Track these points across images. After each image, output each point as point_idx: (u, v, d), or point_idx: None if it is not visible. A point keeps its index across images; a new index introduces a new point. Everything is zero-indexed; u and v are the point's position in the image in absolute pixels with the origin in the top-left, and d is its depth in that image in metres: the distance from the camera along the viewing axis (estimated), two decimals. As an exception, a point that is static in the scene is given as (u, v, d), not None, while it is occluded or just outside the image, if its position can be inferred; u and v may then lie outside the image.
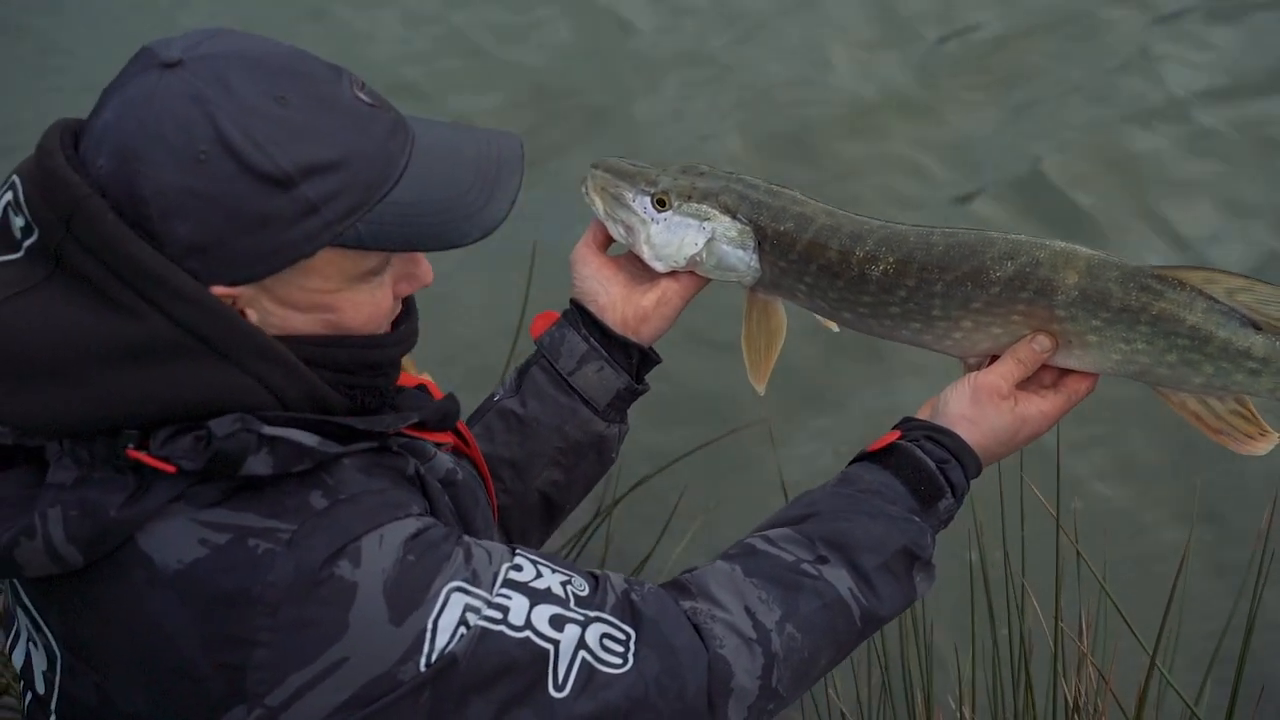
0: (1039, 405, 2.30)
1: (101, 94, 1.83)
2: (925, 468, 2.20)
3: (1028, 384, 2.33)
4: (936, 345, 2.38)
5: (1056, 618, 3.18)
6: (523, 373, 2.37)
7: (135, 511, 1.80)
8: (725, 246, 2.37)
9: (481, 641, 1.85)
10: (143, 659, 1.83)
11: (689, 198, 2.37)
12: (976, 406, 2.27)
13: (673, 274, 2.39)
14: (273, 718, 1.80)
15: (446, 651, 1.84)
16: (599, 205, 2.40)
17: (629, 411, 2.39)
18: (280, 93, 1.79)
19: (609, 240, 2.42)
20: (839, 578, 2.08)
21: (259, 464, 1.81)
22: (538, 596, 1.91)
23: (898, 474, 2.19)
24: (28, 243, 1.78)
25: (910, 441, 2.23)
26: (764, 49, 6.30)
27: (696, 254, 2.37)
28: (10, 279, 1.78)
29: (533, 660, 1.88)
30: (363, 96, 1.86)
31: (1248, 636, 3.07)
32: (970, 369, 2.36)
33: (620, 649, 1.93)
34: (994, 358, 2.34)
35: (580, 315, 2.36)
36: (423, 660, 1.83)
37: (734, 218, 2.37)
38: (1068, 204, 5.63)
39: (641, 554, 3.96)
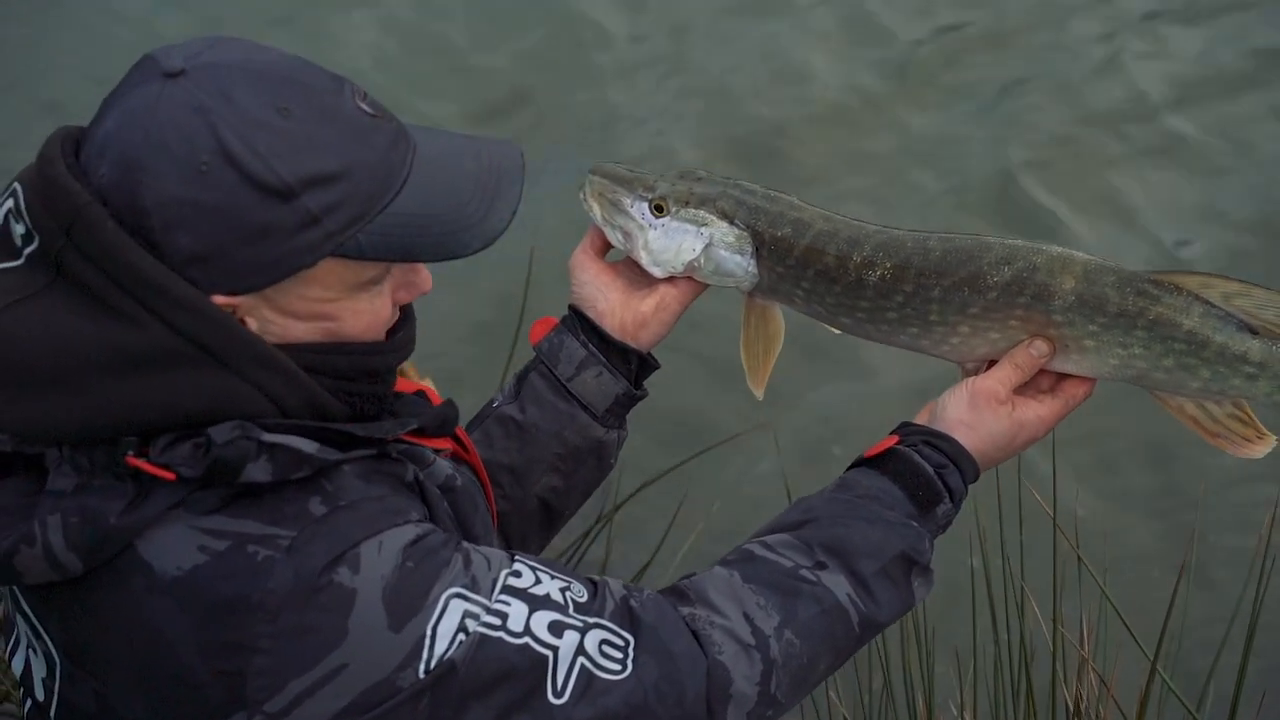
0: (1036, 410, 2.31)
1: (103, 102, 1.83)
2: (923, 473, 2.20)
3: (1025, 389, 2.33)
4: (934, 350, 2.38)
5: (1056, 623, 3.18)
6: (521, 379, 2.37)
7: (135, 519, 1.80)
8: (723, 252, 2.37)
9: (480, 648, 1.86)
10: (142, 665, 1.83)
11: (686, 203, 2.37)
12: (974, 411, 2.27)
13: (671, 279, 2.39)
14: (272, 724, 1.80)
15: (445, 658, 1.84)
16: (596, 211, 2.40)
17: (628, 417, 2.39)
18: (282, 104, 1.79)
19: (607, 246, 2.42)
20: (837, 583, 2.08)
21: (258, 471, 1.81)
22: (537, 603, 1.91)
23: (896, 479, 2.19)
24: (28, 250, 1.78)
25: (908, 447, 2.23)
26: (728, 51, 6.30)
27: (694, 259, 2.37)
28: (10, 286, 1.78)
29: (531, 666, 1.88)
30: (364, 107, 1.86)
31: (1249, 642, 3.07)
32: (968, 374, 2.36)
33: (619, 655, 1.93)
34: (992, 362, 2.34)
35: (579, 321, 2.36)
36: (422, 666, 1.83)
37: (731, 223, 2.37)
38: (1036, 205, 5.64)
39: (642, 560, 3.96)
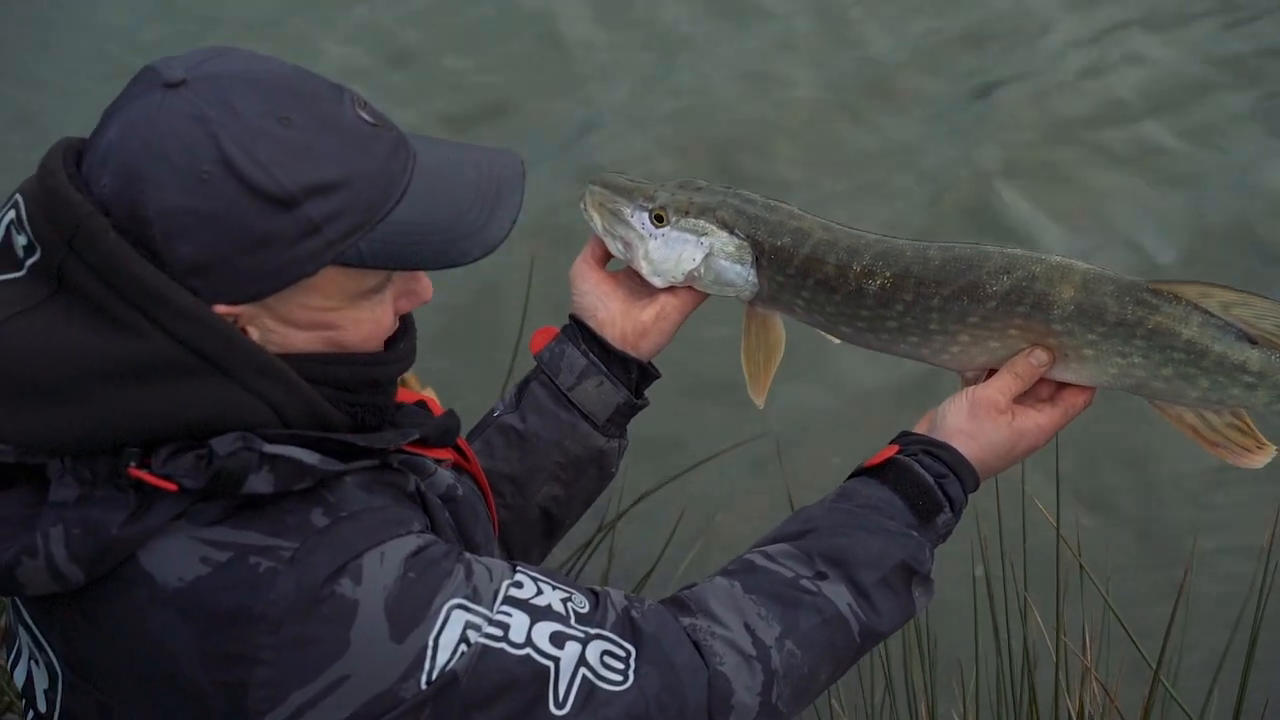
0: (1036, 419, 2.31)
1: (104, 113, 1.84)
2: (923, 482, 2.20)
3: (1025, 397, 2.33)
4: (934, 359, 2.38)
5: (1059, 632, 3.18)
6: (522, 388, 2.37)
7: (137, 530, 1.80)
8: (723, 261, 2.37)
9: (482, 659, 1.86)
10: (144, 677, 1.83)
11: (686, 213, 2.37)
12: (974, 421, 2.27)
13: (671, 289, 2.39)
14: (274, 735, 1.80)
15: (447, 669, 1.84)
16: (597, 221, 2.40)
17: (628, 426, 2.40)
18: (283, 113, 1.80)
19: (607, 255, 2.42)
20: (838, 593, 2.08)
21: (260, 482, 1.82)
22: (538, 614, 1.91)
23: (896, 489, 2.19)
24: (30, 261, 1.79)
25: (908, 456, 2.23)
26: (704, 58, 6.31)
27: (694, 269, 2.37)
28: (12, 297, 1.78)
29: (533, 678, 1.88)
30: (365, 116, 1.86)
31: (1251, 649, 3.07)
32: (968, 383, 2.36)
33: (621, 666, 1.93)
34: (992, 371, 2.34)
35: (579, 330, 2.36)
36: (424, 678, 1.83)
37: (731, 233, 2.37)
38: (1010, 211, 5.64)
39: (643, 570, 3.96)
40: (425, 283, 1.98)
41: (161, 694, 1.83)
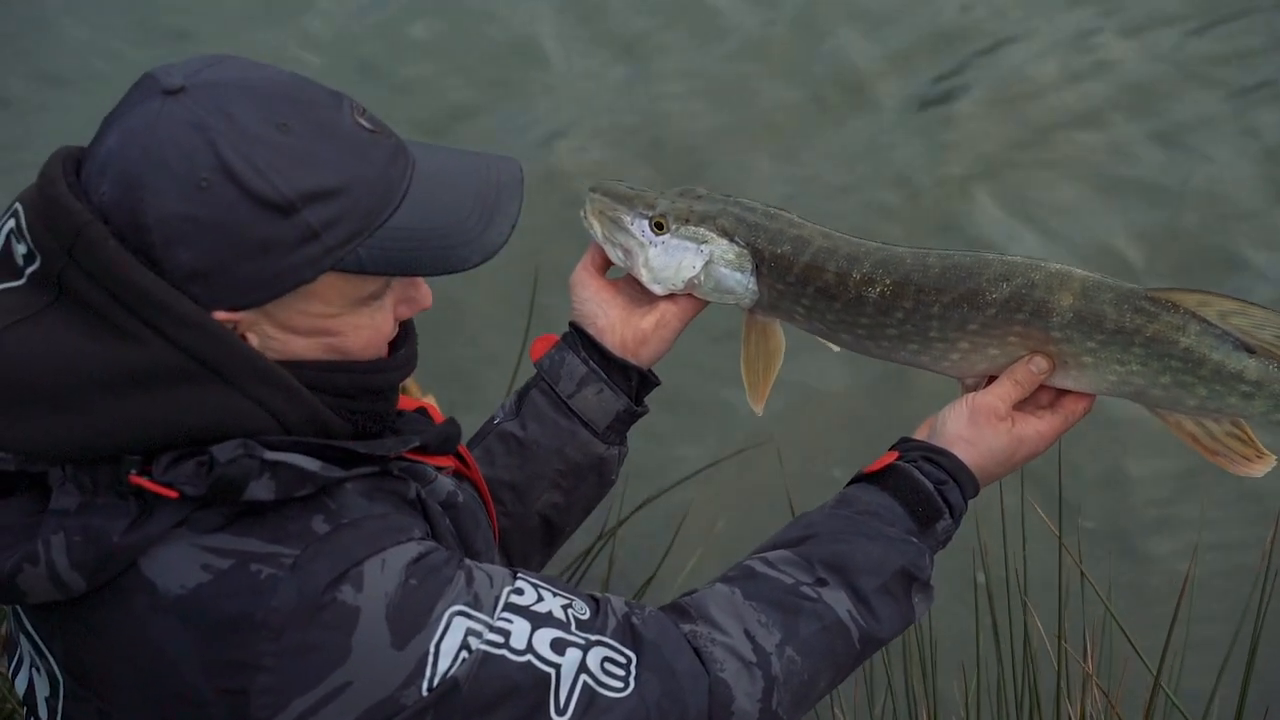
0: (1036, 426, 2.31)
1: (103, 121, 1.84)
2: (923, 489, 2.20)
3: (1025, 404, 2.33)
4: (934, 366, 2.38)
5: (1060, 638, 3.18)
6: (522, 396, 2.37)
7: (138, 537, 1.80)
8: (723, 269, 2.37)
9: (483, 665, 1.86)
10: (145, 684, 1.83)
11: (686, 221, 2.38)
12: (974, 427, 2.27)
13: (671, 297, 2.39)
14: (275, 742, 1.80)
15: (449, 675, 1.84)
16: (597, 229, 2.40)
17: (629, 434, 2.40)
18: (281, 120, 1.80)
19: (607, 263, 2.42)
20: (838, 600, 2.08)
21: (261, 489, 1.82)
22: (539, 620, 1.91)
23: (896, 495, 2.19)
24: (30, 270, 1.79)
25: (908, 462, 2.23)
26: (668, 66, 6.31)
27: (694, 277, 2.37)
28: (13, 306, 1.78)
29: (534, 684, 1.88)
30: (363, 122, 1.87)
31: (1252, 655, 3.07)
32: (968, 389, 2.36)
33: (621, 673, 1.93)
34: (992, 378, 2.35)
35: (579, 338, 2.36)
36: (425, 684, 1.83)
37: (731, 240, 2.37)
38: (975, 215, 5.65)
39: (644, 576, 3.96)
40: (425, 289, 1.98)
41: (163, 701, 1.83)
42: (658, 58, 6.29)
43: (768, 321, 2.44)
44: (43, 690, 1.94)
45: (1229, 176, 5.74)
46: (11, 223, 1.81)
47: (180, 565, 1.81)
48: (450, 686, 1.84)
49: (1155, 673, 3.01)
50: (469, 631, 1.86)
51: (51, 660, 1.90)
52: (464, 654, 1.85)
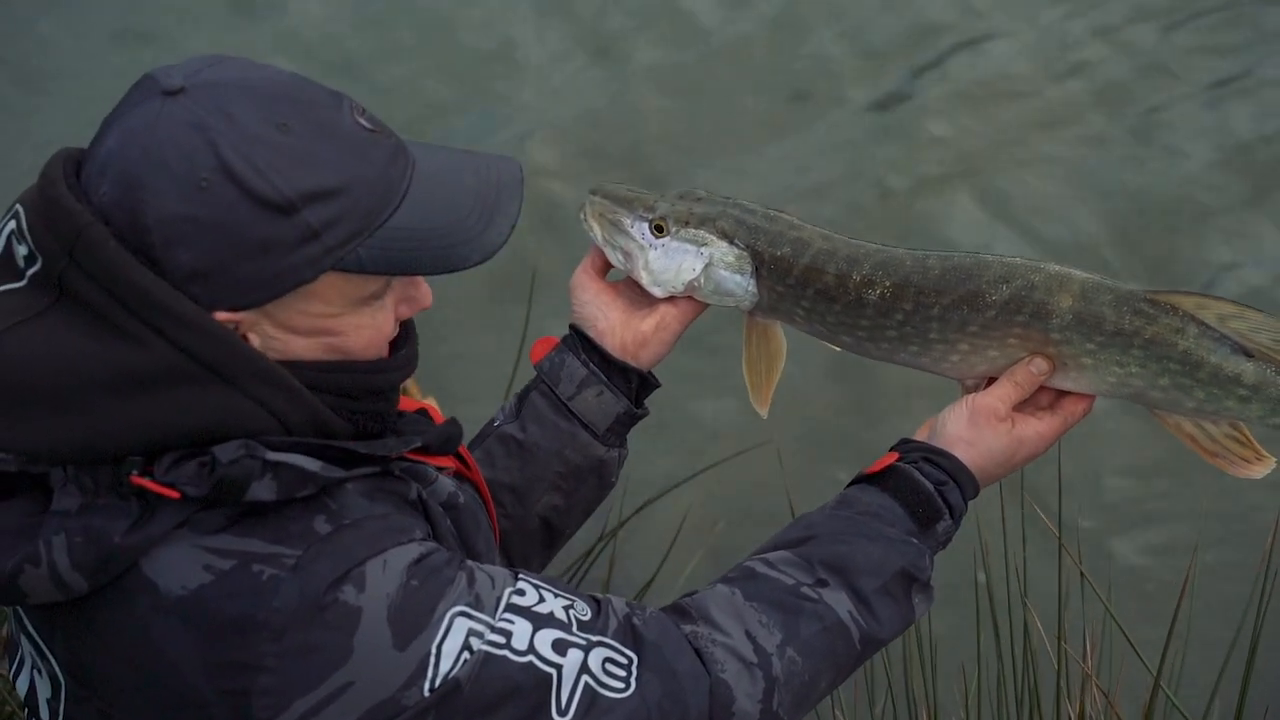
0: (1036, 427, 2.31)
1: (103, 122, 1.84)
2: (923, 489, 2.20)
3: (1025, 405, 2.33)
4: (934, 368, 2.38)
5: (1060, 638, 3.18)
6: (523, 398, 2.37)
7: (140, 538, 1.81)
8: (723, 271, 2.38)
9: (485, 666, 1.86)
10: (147, 685, 1.83)
11: (686, 223, 2.38)
12: (974, 428, 2.27)
13: (671, 299, 2.39)
14: (277, 743, 1.81)
15: (450, 676, 1.84)
16: (597, 231, 2.40)
17: (629, 436, 2.40)
18: (281, 120, 1.80)
19: (607, 266, 2.42)
20: (838, 601, 2.08)
21: (263, 490, 1.82)
22: (540, 621, 1.91)
23: (896, 496, 2.19)
24: (31, 271, 1.79)
25: (908, 463, 2.23)
26: (631, 64, 6.31)
27: (694, 279, 2.38)
28: (13, 307, 1.78)
29: (536, 685, 1.88)
30: (363, 122, 1.87)
31: (1251, 656, 3.07)
32: (968, 391, 2.36)
33: (622, 673, 1.93)
34: (992, 380, 2.35)
35: (580, 340, 2.36)
36: (427, 685, 1.83)
37: (731, 243, 2.38)
38: (944, 212, 5.65)
39: (645, 578, 3.96)
40: (425, 289, 1.98)
41: (164, 702, 1.83)
42: (633, 58, 6.28)
43: (768, 323, 2.44)
44: (44, 692, 1.94)
45: (1203, 174, 5.74)
46: (12, 224, 1.82)
47: (182, 566, 1.81)
48: (452, 687, 1.84)
49: (1155, 673, 3.01)
50: (470, 632, 1.86)
51: (53, 661, 1.90)
52: (465, 655, 1.85)
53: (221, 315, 1.80)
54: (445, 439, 2.07)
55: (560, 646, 1.90)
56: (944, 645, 3.44)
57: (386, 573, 1.84)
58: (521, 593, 1.92)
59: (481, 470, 2.29)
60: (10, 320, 1.78)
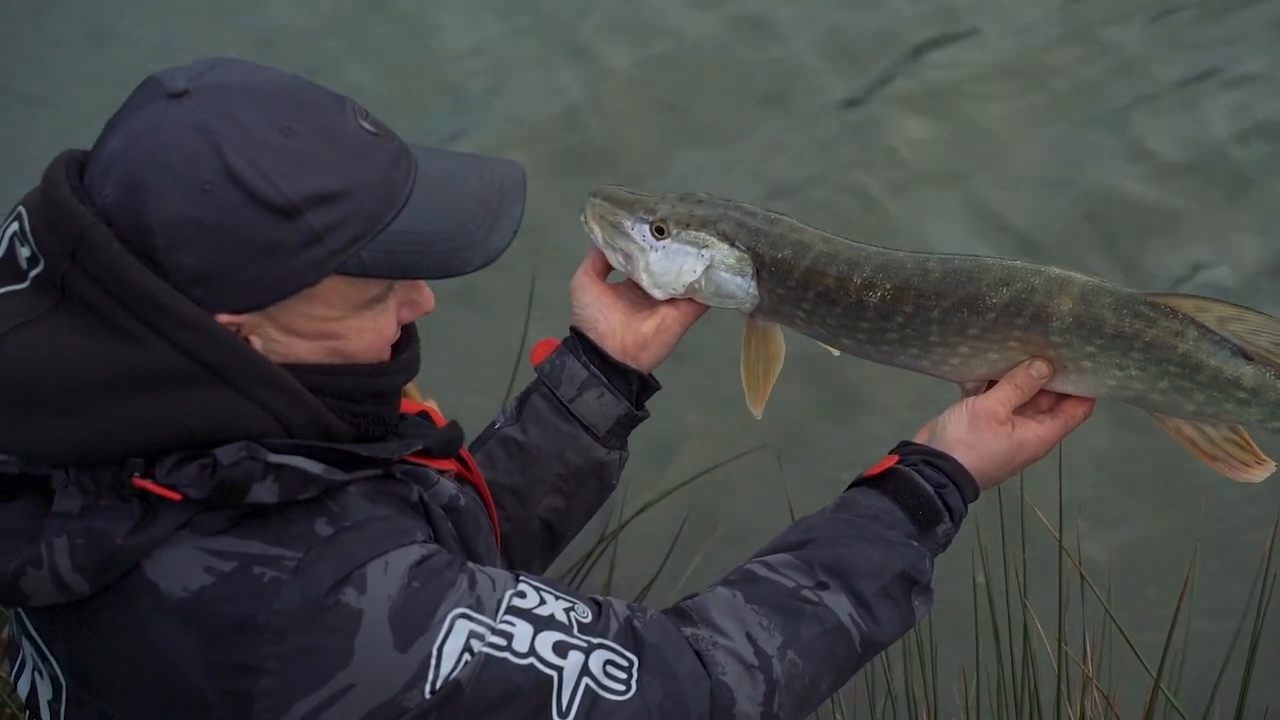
0: (1036, 430, 2.31)
1: (107, 124, 1.85)
2: (923, 492, 2.20)
3: (1025, 408, 2.33)
4: (934, 371, 2.39)
5: (1060, 641, 3.18)
6: (523, 400, 2.37)
7: (141, 539, 1.81)
8: (723, 274, 2.38)
9: (485, 668, 1.86)
10: (148, 687, 1.83)
11: (687, 225, 2.38)
12: (974, 431, 2.27)
13: (671, 301, 2.39)
14: (278, 745, 1.81)
15: (451, 678, 1.84)
16: (597, 233, 2.41)
17: (629, 438, 2.40)
18: (285, 123, 1.80)
19: (608, 268, 2.42)
20: (839, 603, 2.08)
21: (264, 492, 1.82)
22: (541, 623, 1.91)
23: (896, 499, 2.20)
24: (34, 273, 1.79)
25: (908, 466, 2.23)
26: (593, 66, 6.31)
27: (695, 281, 2.38)
28: (16, 309, 1.79)
29: (536, 687, 1.88)
30: (366, 126, 1.87)
31: (1251, 658, 3.07)
32: (968, 394, 2.36)
33: (623, 676, 1.93)
34: (992, 382, 2.35)
35: (580, 342, 2.36)
36: (428, 687, 1.84)
37: (732, 245, 2.38)
38: (904, 215, 5.66)
39: (645, 580, 3.96)
40: (427, 292, 1.99)
41: (165, 704, 1.83)
42: (603, 58, 6.29)
43: (768, 326, 2.44)
44: (45, 694, 1.94)
45: (1176, 173, 5.75)
46: (15, 226, 1.82)
47: (183, 568, 1.81)
48: (453, 689, 1.84)
49: (1155, 674, 3.02)
50: (471, 634, 1.86)
51: (54, 663, 1.91)
52: (466, 656, 1.85)
53: (224, 318, 1.81)
54: (446, 442, 2.07)
55: (561, 649, 1.90)
56: (944, 646, 3.44)
57: (388, 575, 1.84)
58: (522, 595, 1.93)
59: (483, 472, 2.29)
60: (13, 322, 1.78)
